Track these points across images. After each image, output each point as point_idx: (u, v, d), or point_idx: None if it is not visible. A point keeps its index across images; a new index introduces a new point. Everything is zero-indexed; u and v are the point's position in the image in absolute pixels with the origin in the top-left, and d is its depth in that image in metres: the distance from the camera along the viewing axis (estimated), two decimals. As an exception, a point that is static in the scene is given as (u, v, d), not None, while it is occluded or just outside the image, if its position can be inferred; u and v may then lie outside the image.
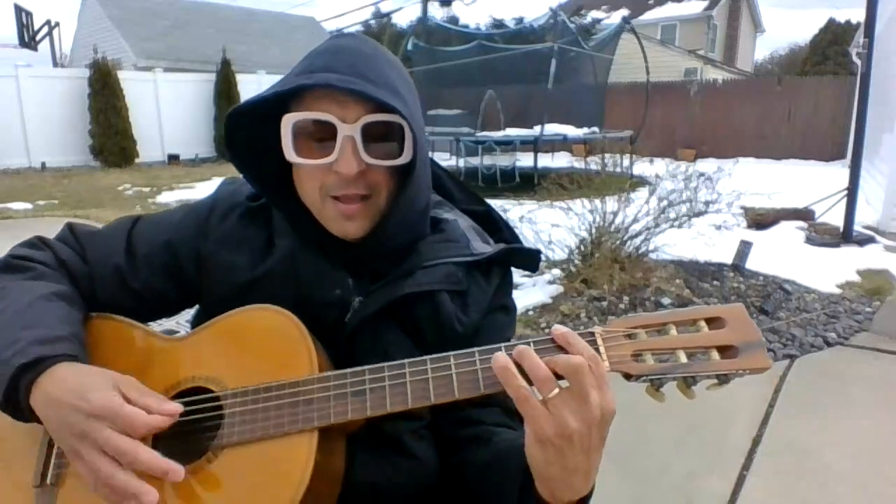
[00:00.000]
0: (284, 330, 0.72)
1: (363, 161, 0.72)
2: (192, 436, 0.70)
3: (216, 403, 0.70)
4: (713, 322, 0.65)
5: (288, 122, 0.73)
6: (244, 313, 0.75)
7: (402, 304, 0.79)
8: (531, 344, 0.63)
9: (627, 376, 0.64)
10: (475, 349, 0.66)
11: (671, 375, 0.63)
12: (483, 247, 0.85)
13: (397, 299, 0.78)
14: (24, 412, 0.67)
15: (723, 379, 0.63)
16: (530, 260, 0.88)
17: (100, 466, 0.62)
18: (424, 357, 0.67)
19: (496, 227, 0.93)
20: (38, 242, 0.86)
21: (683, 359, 0.63)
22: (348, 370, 0.69)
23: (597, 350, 0.63)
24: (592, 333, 0.65)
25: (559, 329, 0.63)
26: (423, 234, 0.84)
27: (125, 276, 0.83)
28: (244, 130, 0.79)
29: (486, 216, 0.93)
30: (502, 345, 0.66)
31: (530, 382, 0.60)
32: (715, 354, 0.63)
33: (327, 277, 0.80)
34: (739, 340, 0.63)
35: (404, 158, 0.74)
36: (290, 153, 0.74)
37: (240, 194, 0.87)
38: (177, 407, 0.67)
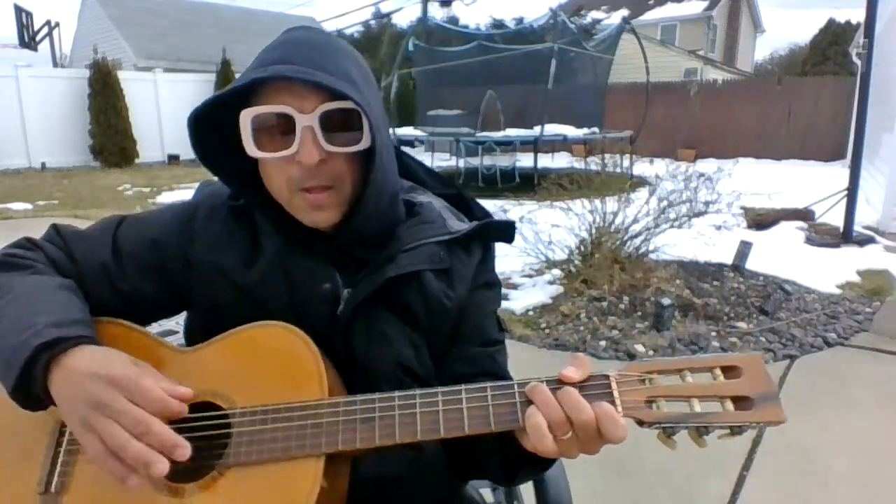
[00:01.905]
0: (295, 349, 0.72)
1: (323, 149, 0.73)
2: (199, 452, 0.69)
3: (224, 421, 0.70)
4: (729, 371, 0.64)
5: (246, 117, 0.74)
6: (255, 330, 0.74)
7: (390, 288, 0.80)
8: (544, 382, 0.65)
9: (640, 423, 0.63)
10: (487, 384, 0.67)
11: (684, 424, 0.62)
12: (459, 224, 0.87)
13: (384, 284, 0.80)
14: (36, 395, 0.68)
15: (736, 430, 0.62)
16: (506, 231, 0.91)
17: (114, 434, 0.62)
18: (436, 389, 0.68)
19: (468, 207, 0.95)
20: (27, 243, 0.85)
21: (697, 407, 0.62)
22: (358, 396, 0.68)
23: (610, 395, 0.63)
24: (607, 377, 0.65)
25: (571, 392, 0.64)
26: (398, 219, 0.85)
27: (112, 276, 0.83)
28: (210, 132, 0.79)
29: (458, 198, 0.96)
30: (515, 381, 0.67)
31: None
32: (729, 405, 0.63)
33: (315, 273, 0.81)
34: (755, 392, 0.62)
35: (364, 143, 0.75)
36: (251, 148, 0.75)
37: (221, 195, 0.87)
38: (187, 392, 0.68)
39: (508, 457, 0.75)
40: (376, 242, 0.83)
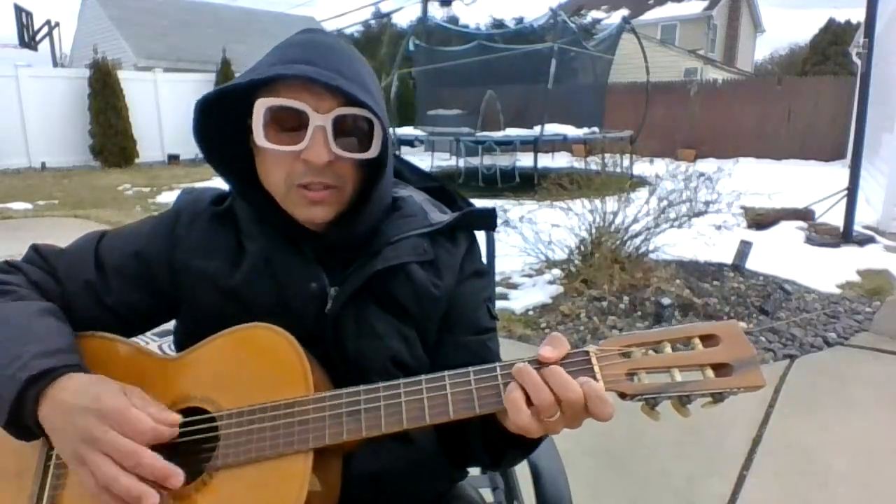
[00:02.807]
0: (279, 349, 0.72)
1: (333, 152, 0.74)
2: (187, 457, 0.69)
3: (212, 424, 0.70)
4: (708, 339, 0.65)
5: (261, 106, 0.74)
6: (238, 332, 0.74)
7: (377, 283, 0.81)
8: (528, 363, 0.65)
9: (622, 395, 0.63)
10: (470, 368, 0.67)
11: (666, 395, 0.62)
12: (441, 216, 0.88)
13: (370, 278, 0.80)
14: (29, 427, 0.68)
15: (717, 397, 0.63)
16: (487, 219, 0.93)
17: (104, 469, 0.62)
18: (420, 377, 0.68)
19: (451, 199, 0.96)
20: (7, 267, 0.84)
21: (678, 377, 0.63)
22: (343, 390, 0.69)
23: (591, 369, 0.64)
24: (587, 353, 0.65)
25: (556, 369, 0.64)
26: (384, 217, 0.86)
27: (98, 292, 0.82)
28: (212, 119, 0.79)
29: (441, 191, 0.96)
30: (497, 364, 0.67)
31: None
32: (709, 372, 0.63)
33: (302, 272, 0.81)
34: (734, 358, 0.63)
35: (373, 152, 0.76)
36: (260, 138, 0.75)
37: (202, 201, 0.87)
38: (176, 417, 0.67)
39: (490, 440, 0.75)
40: (362, 241, 0.83)
